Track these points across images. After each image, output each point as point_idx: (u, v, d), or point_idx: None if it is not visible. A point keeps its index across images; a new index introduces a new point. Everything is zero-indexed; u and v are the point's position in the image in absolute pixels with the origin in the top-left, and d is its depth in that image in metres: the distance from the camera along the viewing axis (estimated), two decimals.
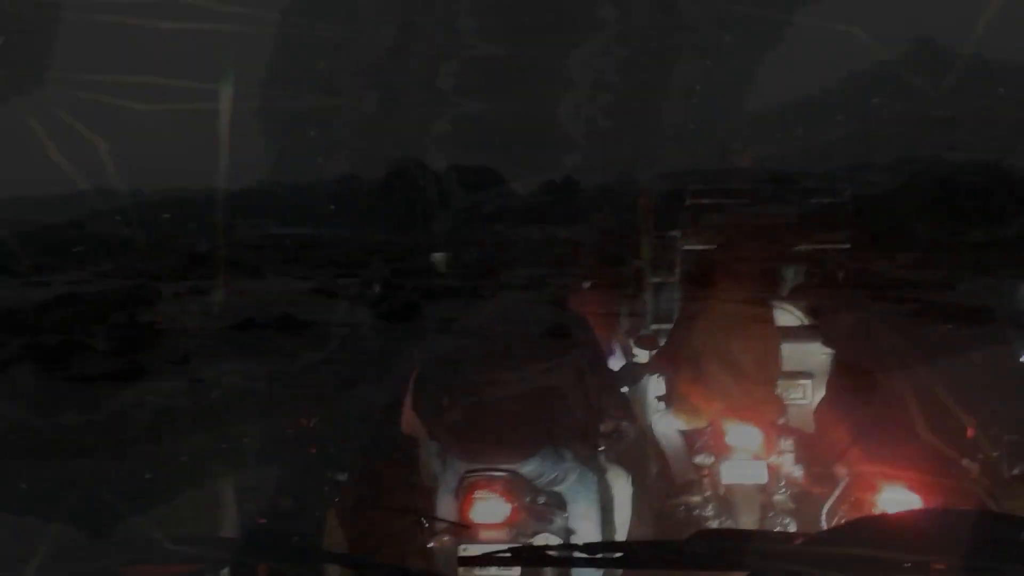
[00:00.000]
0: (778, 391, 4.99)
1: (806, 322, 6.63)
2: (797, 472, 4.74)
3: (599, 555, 1.18)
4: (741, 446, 4.48)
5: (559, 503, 3.43)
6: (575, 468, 3.58)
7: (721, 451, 4.50)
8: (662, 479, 4.93)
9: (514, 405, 3.44)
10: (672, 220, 7.08)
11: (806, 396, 6.36)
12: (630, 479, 4.24)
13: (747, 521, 4.29)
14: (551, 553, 1.17)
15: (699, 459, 4.60)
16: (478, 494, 3.25)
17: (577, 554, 1.15)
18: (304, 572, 2.76)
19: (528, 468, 3.43)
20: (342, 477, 4.19)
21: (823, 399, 4.68)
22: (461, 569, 2.71)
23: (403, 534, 4.24)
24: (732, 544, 1.16)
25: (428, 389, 3.61)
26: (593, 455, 3.88)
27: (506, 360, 3.46)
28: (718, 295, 4.84)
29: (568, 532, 3.34)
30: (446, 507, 3.35)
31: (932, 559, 1.05)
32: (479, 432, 3.44)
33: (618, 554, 1.19)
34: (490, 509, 3.23)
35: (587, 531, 3.44)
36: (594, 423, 3.79)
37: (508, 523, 3.16)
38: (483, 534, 2.99)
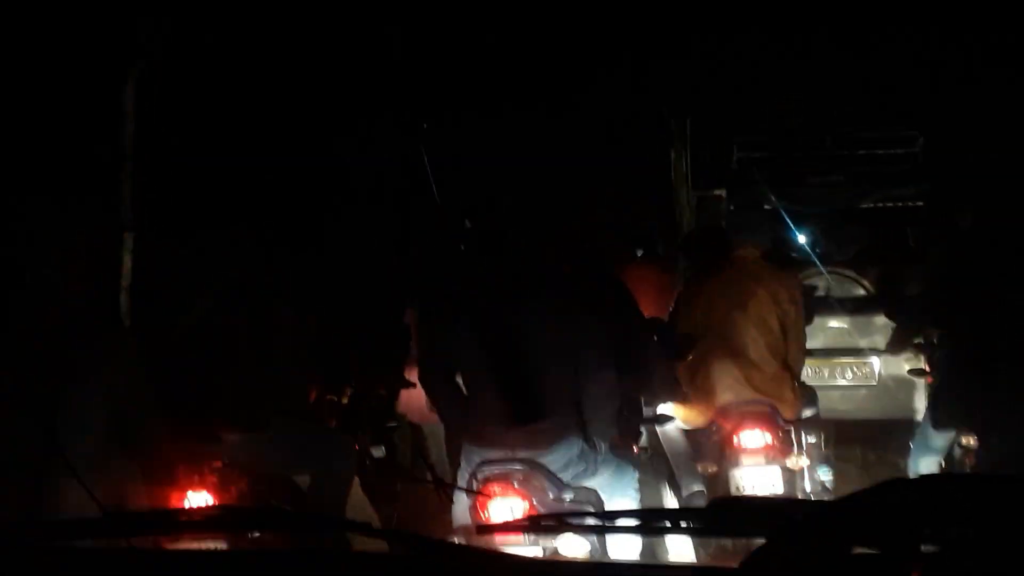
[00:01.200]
0: (801, 378, 4.60)
1: (871, 291, 6.67)
2: (824, 475, 4.41)
3: (619, 522, 1.33)
4: (750, 449, 4.10)
5: (591, 500, 3.19)
6: (611, 460, 3.42)
7: (728, 456, 4.14)
8: (672, 489, 4.53)
9: (536, 383, 3.28)
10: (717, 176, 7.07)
11: (870, 377, 6.36)
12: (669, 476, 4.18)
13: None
14: (571, 521, 1.31)
15: (703, 466, 4.23)
16: (493, 489, 3.08)
17: (597, 521, 1.30)
18: (319, 542, 2.95)
19: (551, 458, 3.24)
20: (378, 453, 4.20)
21: (938, 385, 4.37)
22: (480, 538, 2.50)
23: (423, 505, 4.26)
24: (751, 510, 1.30)
25: (437, 365, 3.49)
26: (631, 446, 3.74)
27: (529, 331, 3.30)
28: (727, 262, 4.44)
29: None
30: (458, 502, 3.24)
31: (955, 528, 1.19)
32: (495, 415, 3.28)
33: (638, 521, 1.34)
34: (506, 507, 3.04)
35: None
36: (634, 408, 3.67)
37: (502, 552, 2.81)
38: (497, 538, 2.69)
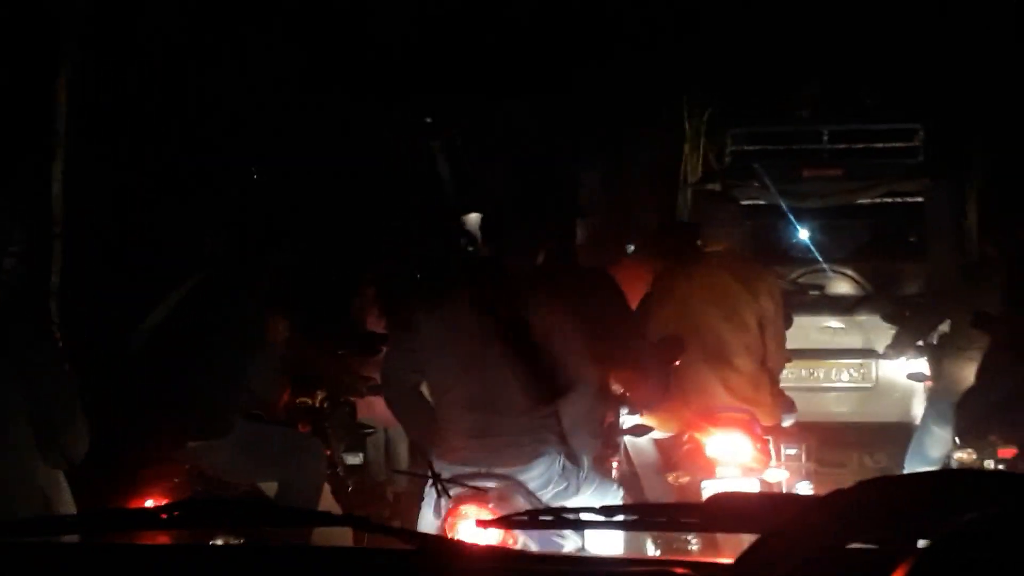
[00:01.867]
0: (780, 382, 4.49)
1: (870, 290, 6.78)
2: (805, 491, 4.26)
3: (618, 518, 1.41)
4: (725, 460, 3.96)
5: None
6: (594, 478, 3.28)
7: (700, 467, 4.00)
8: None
9: (512, 391, 3.12)
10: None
11: (868, 379, 6.46)
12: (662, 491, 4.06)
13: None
14: (569, 516, 1.38)
15: (672, 477, 4.10)
16: (463, 509, 2.86)
17: (596, 517, 1.38)
18: (304, 536, 2.99)
19: (530, 475, 3.08)
20: (354, 460, 4.20)
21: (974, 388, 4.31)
22: (479, 532, 2.43)
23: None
24: (748, 506, 1.39)
25: (402, 370, 3.35)
26: (612, 460, 3.66)
27: (502, 335, 3.12)
28: (700, 257, 4.36)
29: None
30: (426, 521, 3.04)
31: (949, 519, 1.29)
32: (466, 426, 3.13)
33: (636, 517, 1.42)
34: (479, 529, 2.54)
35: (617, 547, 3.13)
36: (615, 418, 3.53)
37: (502, 547, 2.51)
38: (491, 531, 2.46)
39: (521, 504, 2.94)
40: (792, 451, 4.35)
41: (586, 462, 3.28)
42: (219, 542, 1.91)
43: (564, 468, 3.16)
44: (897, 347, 5.07)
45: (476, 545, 1.40)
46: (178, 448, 3.52)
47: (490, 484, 2.99)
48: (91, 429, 2.87)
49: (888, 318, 5.35)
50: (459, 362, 3.18)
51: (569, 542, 2.95)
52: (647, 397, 3.82)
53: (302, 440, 4.03)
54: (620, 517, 1.39)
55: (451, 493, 2.94)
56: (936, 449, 4.69)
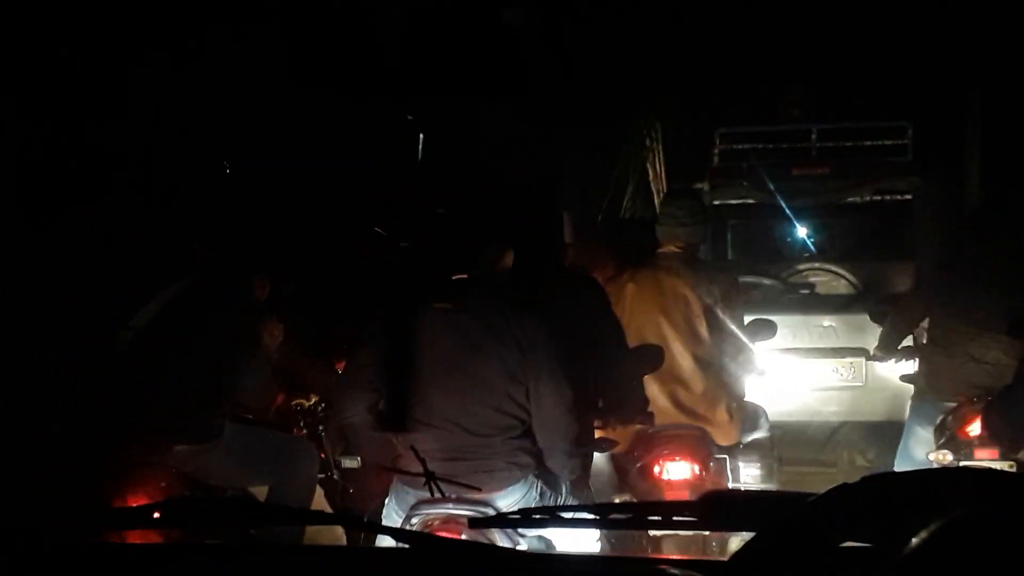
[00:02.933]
0: (747, 392, 4.24)
1: (860, 288, 6.80)
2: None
3: (611, 516, 1.40)
4: (674, 482, 3.68)
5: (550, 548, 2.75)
6: (573, 501, 3.06)
7: (648, 488, 3.74)
8: None
9: (482, 409, 2.89)
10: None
11: (858, 378, 6.47)
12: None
13: None
14: (562, 515, 1.37)
15: (620, 498, 3.83)
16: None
17: (589, 515, 1.37)
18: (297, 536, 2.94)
19: (505, 501, 2.87)
20: (351, 463, 4.14)
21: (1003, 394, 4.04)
22: (471, 530, 2.35)
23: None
24: (741, 504, 1.39)
25: (354, 388, 3.08)
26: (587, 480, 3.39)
27: (469, 346, 2.89)
28: (649, 259, 4.09)
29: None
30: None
31: (942, 517, 1.29)
32: (432, 448, 2.83)
33: (629, 515, 1.42)
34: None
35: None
36: (581, 429, 3.12)
37: (494, 546, 2.40)
38: (460, 560, 1.92)
39: (495, 536, 2.66)
40: (754, 470, 4.07)
41: (565, 487, 3.07)
42: (209, 542, 1.90)
43: (542, 493, 2.97)
44: (882, 347, 5.01)
45: (467, 543, 1.39)
46: (164, 452, 3.46)
47: (461, 512, 2.72)
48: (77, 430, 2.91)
49: (873, 317, 5.32)
50: (422, 377, 2.92)
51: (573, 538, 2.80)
52: (624, 410, 3.64)
53: (293, 443, 3.99)
54: (615, 516, 1.38)
55: (415, 521, 2.75)
56: (921, 450, 4.67)
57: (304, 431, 4.28)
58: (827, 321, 6.31)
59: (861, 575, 1.24)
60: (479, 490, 2.68)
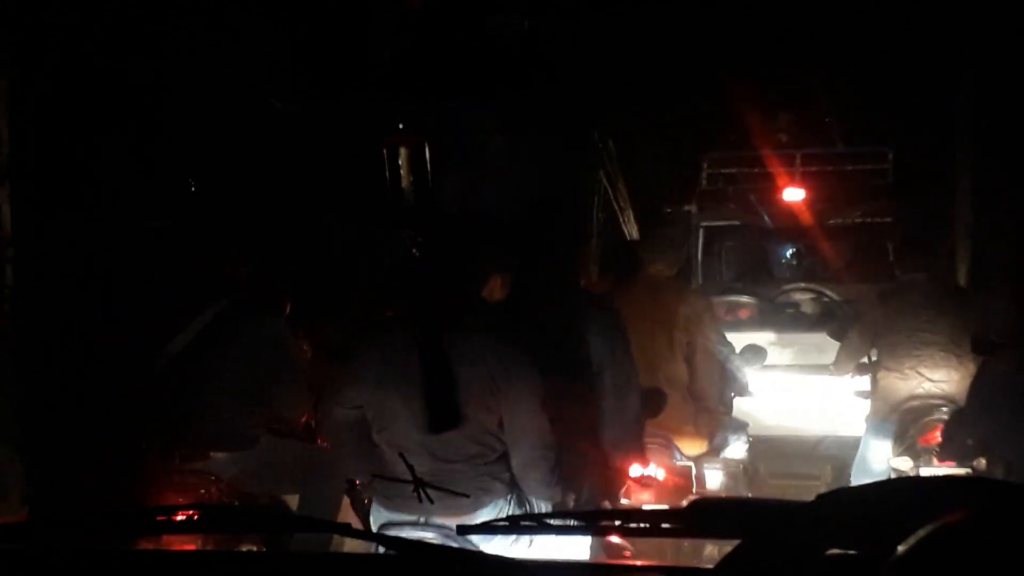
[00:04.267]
0: (718, 408, 4.31)
1: (843, 308, 6.82)
2: None
3: (598, 523, 1.39)
4: (637, 488, 3.65)
5: None
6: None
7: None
8: None
9: (452, 436, 2.79)
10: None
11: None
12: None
13: None
14: (550, 521, 1.36)
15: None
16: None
17: (576, 522, 1.36)
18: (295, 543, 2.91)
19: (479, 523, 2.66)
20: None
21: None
22: (459, 538, 2.22)
23: None
24: (727, 511, 1.37)
25: (336, 406, 2.99)
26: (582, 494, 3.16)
27: (446, 368, 2.78)
28: (636, 280, 4.14)
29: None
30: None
31: (925, 523, 1.27)
32: (401, 470, 2.75)
33: (616, 522, 1.40)
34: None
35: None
36: (556, 458, 2.93)
37: (481, 552, 2.01)
38: (449, 566, 1.75)
39: (460, 559, 2.52)
40: (720, 480, 4.16)
41: (542, 508, 2.93)
42: (204, 547, 1.89)
43: (516, 511, 2.86)
44: (838, 364, 5.16)
45: (457, 551, 1.37)
46: (200, 459, 3.59)
47: (428, 535, 2.68)
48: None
49: (832, 335, 5.47)
50: (396, 400, 2.84)
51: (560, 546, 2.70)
52: (622, 447, 3.51)
53: (322, 455, 3.95)
54: (601, 523, 1.36)
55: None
56: (877, 462, 4.78)
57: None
58: (810, 338, 6.33)
59: None
60: (467, 496, 2.65)
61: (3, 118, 4.51)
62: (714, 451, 4.32)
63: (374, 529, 2.83)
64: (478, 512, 2.80)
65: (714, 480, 4.16)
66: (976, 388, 3.90)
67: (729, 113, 7.49)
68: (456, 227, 3.19)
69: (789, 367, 6.26)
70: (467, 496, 2.68)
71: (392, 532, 2.68)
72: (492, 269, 3.00)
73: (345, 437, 3.01)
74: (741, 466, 4.39)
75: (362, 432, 2.95)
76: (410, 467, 1.77)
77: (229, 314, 3.73)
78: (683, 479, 3.90)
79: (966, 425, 3.97)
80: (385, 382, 2.85)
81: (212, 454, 3.62)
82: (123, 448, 3.72)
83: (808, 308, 6.85)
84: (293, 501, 3.82)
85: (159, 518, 1.35)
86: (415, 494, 2.67)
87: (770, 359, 6.55)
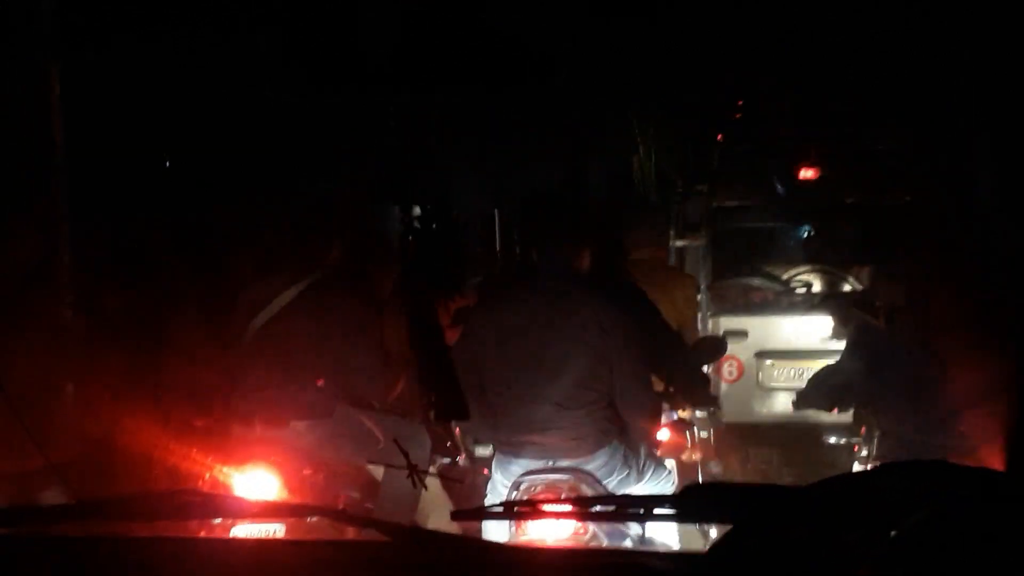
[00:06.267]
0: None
1: (858, 290, 6.82)
2: (715, 468, 4.42)
3: (592, 508, 1.41)
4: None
5: None
6: (650, 464, 3.47)
7: None
8: None
9: (570, 385, 3.28)
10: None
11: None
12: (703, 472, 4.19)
13: None
14: (544, 508, 1.39)
15: None
16: (539, 504, 2.79)
17: (569, 508, 1.38)
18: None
19: (595, 464, 3.25)
20: (484, 451, 4.04)
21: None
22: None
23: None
24: (721, 497, 1.40)
25: (460, 371, 3.45)
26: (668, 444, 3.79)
27: (557, 330, 3.29)
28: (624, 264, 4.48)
29: (646, 542, 3.14)
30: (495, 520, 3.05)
31: (918, 512, 1.30)
32: (528, 422, 3.29)
33: (611, 507, 1.43)
34: (553, 524, 2.86)
35: (670, 539, 3.32)
36: (656, 405, 3.60)
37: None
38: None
39: (588, 493, 3.08)
40: (704, 435, 4.47)
41: (643, 450, 3.46)
42: (201, 533, 1.94)
43: (625, 456, 3.34)
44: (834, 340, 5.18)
45: (450, 535, 1.40)
46: (280, 427, 3.77)
47: (562, 477, 3.16)
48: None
49: (829, 312, 5.56)
50: (517, 360, 3.30)
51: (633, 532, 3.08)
52: (694, 396, 4.03)
53: (405, 428, 4.05)
54: (596, 508, 1.39)
55: (523, 488, 3.14)
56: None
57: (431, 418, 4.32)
58: (823, 322, 6.33)
59: (838, 566, 1.25)
60: (460, 481, 3.17)
61: (56, 104, 4.62)
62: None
63: (509, 480, 3.27)
64: (596, 453, 3.26)
65: (704, 434, 4.46)
66: (851, 345, 3.91)
67: (744, 92, 7.47)
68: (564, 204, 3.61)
69: (803, 352, 6.26)
70: (460, 481, 3.25)
71: (530, 478, 3.18)
72: (585, 242, 3.44)
73: (468, 397, 3.43)
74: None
75: (481, 392, 3.40)
76: (405, 453, 1.83)
77: (313, 292, 3.87)
78: (682, 438, 4.15)
79: (831, 374, 3.96)
80: (506, 344, 3.32)
81: (291, 422, 3.79)
82: (205, 418, 3.94)
83: (823, 290, 6.85)
84: (378, 471, 3.95)
85: (149, 504, 1.39)
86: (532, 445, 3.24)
87: (785, 343, 6.58)
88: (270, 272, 4.03)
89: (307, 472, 3.71)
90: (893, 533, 1.24)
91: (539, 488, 3.12)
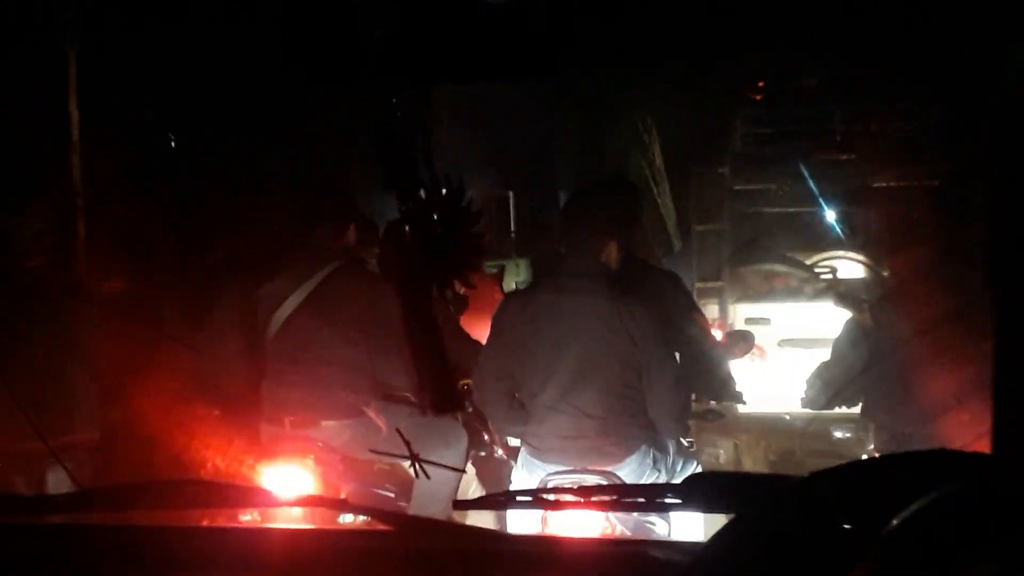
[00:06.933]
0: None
1: (883, 276, 6.77)
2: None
3: (595, 498, 1.45)
4: None
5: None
6: (679, 459, 3.56)
7: None
8: None
9: (597, 395, 3.36)
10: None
11: None
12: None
13: None
14: (545, 496, 1.42)
15: None
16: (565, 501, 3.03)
17: (571, 497, 1.41)
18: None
19: (624, 471, 3.33)
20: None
21: None
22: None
23: None
24: (723, 486, 1.43)
25: (491, 375, 3.55)
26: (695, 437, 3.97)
27: (584, 332, 3.37)
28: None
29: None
30: (515, 515, 3.19)
31: (920, 499, 1.32)
32: (559, 428, 3.38)
33: (612, 497, 1.46)
34: (582, 523, 2.96)
35: (696, 532, 3.33)
36: (686, 399, 3.68)
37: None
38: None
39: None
40: None
41: (672, 447, 3.54)
42: (203, 523, 1.99)
43: (654, 459, 3.42)
44: None
45: (449, 524, 1.44)
46: (312, 427, 3.74)
47: (589, 478, 3.24)
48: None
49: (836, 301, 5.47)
50: (545, 367, 3.38)
51: (659, 527, 3.17)
52: (719, 393, 4.08)
53: (441, 423, 3.97)
54: (598, 498, 1.42)
55: (550, 486, 3.18)
56: None
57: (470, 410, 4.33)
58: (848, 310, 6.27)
59: (840, 557, 1.28)
60: (463, 471, 3.29)
61: (72, 86, 4.69)
62: None
63: (536, 482, 3.33)
64: (626, 460, 3.32)
65: None
66: (839, 340, 3.89)
67: (765, 69, 7.41)
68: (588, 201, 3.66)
69: (825, 340, 6.22)
70: (463, 471, 3.30)
71: (556, 480, 3.26)
72: (611, 236, 3.47)
73: (498, 403, 3.55)
74: None
75: (512, 397, 3.50)
76: (407, 443, 1.87)
77: (336, 279, 3.82)
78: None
79: (824, 370, 3.92)
80: (533, 348, 3.39)
81: (323, 422, 3.76)
82: (232, 415, 3.89)
83: (848, 277, 6.82)
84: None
85: (158, 494, 1.43)
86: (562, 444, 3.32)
87: (810, 331, 6.55)
88: (286, 262, 3.97)
89: (340, 469, 3.71)
90: (894, 522, 1.26)
91: (565, 489, 3.16)
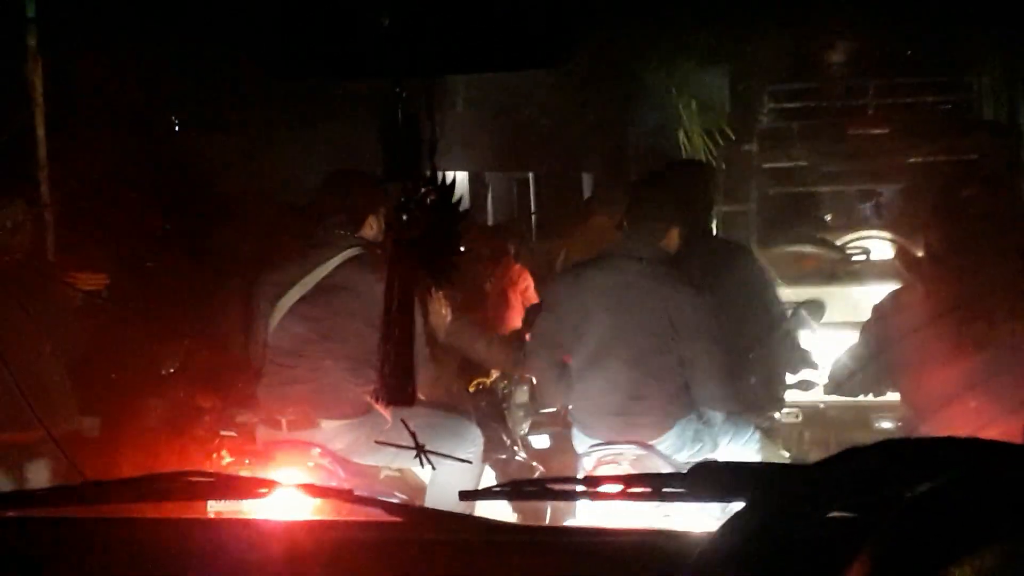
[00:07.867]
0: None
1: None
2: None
3: (599, 488, 1.48)
4: None
5: None
6: (728, 429, 3.71)
7: None
8: None
9: (639, 374, 3.55)
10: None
11: None
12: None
13: None
14: (552, 487, 1.46)
15: None
16: (602, 471, 3.39)
17: (579, 487, 1.45)
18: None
19: (664, 444, 3.55)
20: (542, 443, 4.45)
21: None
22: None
23: None
24: (732, 475, 1.46)
25: (544, 347, 3.78)
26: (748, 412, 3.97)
27: (628, 308, 3.56)
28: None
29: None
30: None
31: (925, 487, 1.35)
32: (603, 402, 3.61)
33: (619, 486, 1.50)
34: (594, 510, 3.07)
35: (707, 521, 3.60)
36: (736, 385, 3.77)
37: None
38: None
39: (657, 467, 3.43)
40: None
41: (719, 417, 3.70)
42: (211, 515, 2.04)
43: (696, 431, 3.61)
44: None
45: (458, 515, 1.49)
46: (309, 427, 3.60)
47: (628, 448, 3.51)
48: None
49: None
50: (593, 345, 3.60)
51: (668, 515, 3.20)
52: (788, 363, 4.25)
53: (454, 423, 3.95)
54: (603, 488, 1.46)
55: (589, 458, 3.54)
56: None
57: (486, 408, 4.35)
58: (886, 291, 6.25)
59: (847, 545, 1.31)
60: (469, 462, 3.42)
61: (36, 77, 4.74)
62: None
63: (579, 451, 3.62)
64: (666, 434, 3.52)
65: None
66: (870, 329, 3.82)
67: (794, 42, 7.36)
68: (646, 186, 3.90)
69: (834, 324, 6.21)
70: (469, 462, 3.40)
71: (598, 453, 3.54)
72: (674, 223, 3.64)
73: (547, 371, 3.79)
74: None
75: (562, 367, 3.72)
76: (412, 434, 1.92)
77: (350, 267, 3.68)
78: None
79: (849, 358, 3.86)
80: (580, 325, 3.60)
81: (322, 422, 3.60)
82: (227, 414, 3.88)
83: (882, 257, 6.77)
84: (424, 474, 3.74)
85: (155, 485, 1.49)
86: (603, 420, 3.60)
87: (843, 314, 6.52)
88: (293, 250, 3.90)
89: (342, 477, 3.53)
90: (902, 506, 1.30)
91: (604, 459, 3.50)
